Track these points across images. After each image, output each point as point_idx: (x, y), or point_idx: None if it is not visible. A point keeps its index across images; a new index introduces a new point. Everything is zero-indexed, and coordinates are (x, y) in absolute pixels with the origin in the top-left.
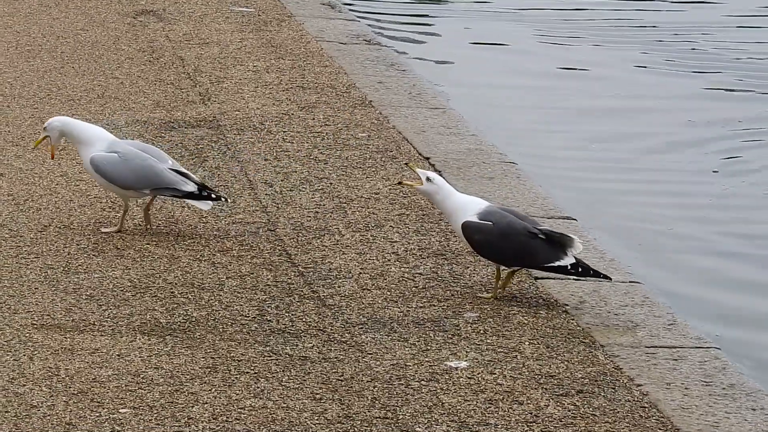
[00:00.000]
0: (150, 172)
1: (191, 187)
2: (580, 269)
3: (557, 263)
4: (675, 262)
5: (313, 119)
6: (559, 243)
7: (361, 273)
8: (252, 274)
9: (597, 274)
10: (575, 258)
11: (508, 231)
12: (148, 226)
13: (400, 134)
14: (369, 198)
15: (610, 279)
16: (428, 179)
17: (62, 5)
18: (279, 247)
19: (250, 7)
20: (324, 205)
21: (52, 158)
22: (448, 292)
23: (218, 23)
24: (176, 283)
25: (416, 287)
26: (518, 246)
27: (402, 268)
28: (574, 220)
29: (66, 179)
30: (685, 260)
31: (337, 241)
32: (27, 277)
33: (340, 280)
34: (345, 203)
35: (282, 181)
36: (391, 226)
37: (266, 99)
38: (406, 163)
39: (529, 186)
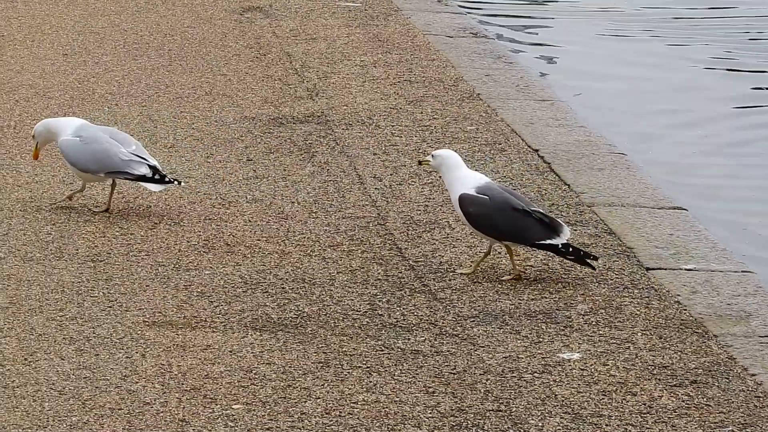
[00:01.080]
0: (104, 156)
1: (144, 170)
2: (570, 249)
3: (549, 242)
4: None
5: (422, 113)
6: (550, 225)
7: (471, 266)
8: (363, 268)
9: (587, 255)
10: (567, 240)
11: (503, 206)
12: (107, 210)
13: (509, 127)
14: None
15: (597, 259)
16: (432, 156)
17: (169, 3)
18: (389, 241)
19: (357, 1)
20: (434, 199)
21: (35, 159)
22: (560, 284)
23: (325, 18)
24: (287, 279)
25: (527, 279)
26: (512, 222)
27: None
28: (685, 210)
29: (176, 176)
30: None
31: (447, 234)
32: (138, 274)
33: (451, 273)
34: None
35: (391, 175)
36: None
37: (374, 93)
38: (419, 162)
39: (639, 177)
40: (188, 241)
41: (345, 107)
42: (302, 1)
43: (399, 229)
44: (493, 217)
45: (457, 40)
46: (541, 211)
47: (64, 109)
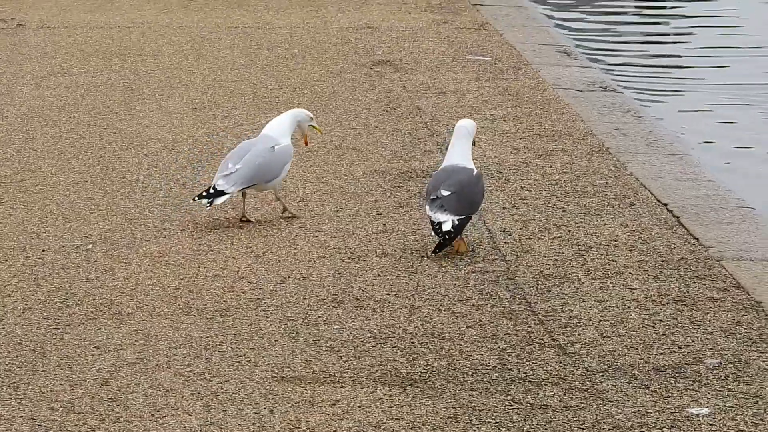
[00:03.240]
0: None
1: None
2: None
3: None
4: None
5: (551, 167)
6: None
7: (601, 320)
8: (492, 322)
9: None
10: None
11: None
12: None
13: (638, 180)
14: (608, 245)
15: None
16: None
17: (298, 57)
18: (519, 296)
19: (486, 56)
20: (563, 253)
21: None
22: (689, 338)
23: (454, 72)
24: (416, 333)
25: (656, 334)
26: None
27: (642, 315)
28: None
29: (304, 231)
30: None
31: (577, 288)
32: (267, 329)
33: (581, 328)
34: (584, 250)
35: (520, 229)
36: (630, 273)
37: (503, 147)
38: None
39: (767, 231)
40: (317, 296)
41: (474, 161)
42: (432, 55)
43: (528, 284)
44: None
45: (586, 94)
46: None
47: (192, 164)
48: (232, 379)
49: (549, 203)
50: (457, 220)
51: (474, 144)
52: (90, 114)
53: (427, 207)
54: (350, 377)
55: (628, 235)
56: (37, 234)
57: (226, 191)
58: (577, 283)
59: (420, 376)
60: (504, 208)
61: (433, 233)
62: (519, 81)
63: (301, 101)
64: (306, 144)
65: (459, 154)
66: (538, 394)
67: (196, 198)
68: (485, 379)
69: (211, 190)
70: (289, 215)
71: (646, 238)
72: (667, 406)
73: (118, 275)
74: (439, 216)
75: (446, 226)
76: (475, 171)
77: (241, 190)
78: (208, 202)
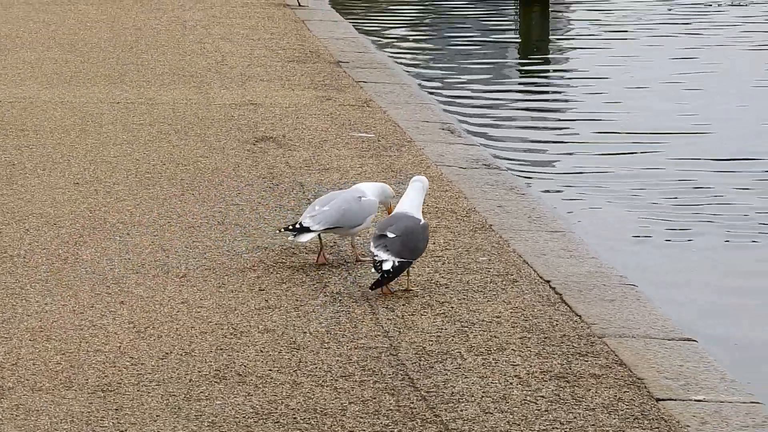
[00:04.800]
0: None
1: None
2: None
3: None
4: None
5: (434, 243)
6: None
7: (483, 396)
8: (374, 398)
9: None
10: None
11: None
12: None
13: (521, 257)
14: (491, 321)
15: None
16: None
17: (181, 132)
18: (401, 372)
19: (370, 132)
20: (446, 329)
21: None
22: (571, 414)
23: (338, 149)
24: (298, 409)
25: (539, 410)
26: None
27: (524, 391)
28: (695, 341)
29: (187, 306)
30: None
31: (459, 365)
32: (148, 404)
33: (463, 404)
34: (467, 327)
35: (403, 305)
36: (512, 349)
37: None
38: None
39: (650, 308)
40: (199, 371)
41: (358, 238)
42: (315, 131)
43: (411, 360)
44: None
45: (469, 171)
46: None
47: (74, 239)
48: None
49: (432, 280)
50: (398, 262)
51: (424, 201)
52: None
53: (372, 244)
54: None
55: (511, 312)
56: None
57: (311, 228)
58: (460, 359)
59: None
60: None
61: (374, 269)
62: (402, 158)
63: (183, 177)
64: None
65: (410, 205)
66: None
67: (282, 230)
68: None
69: (298, 226)
70: (359, 261)
71: (529, 315)
72: None
73: None
74: (382, 254)
75: (386, 266)
76: (422, 221)
77: (325, 230)
78: (294, 236)
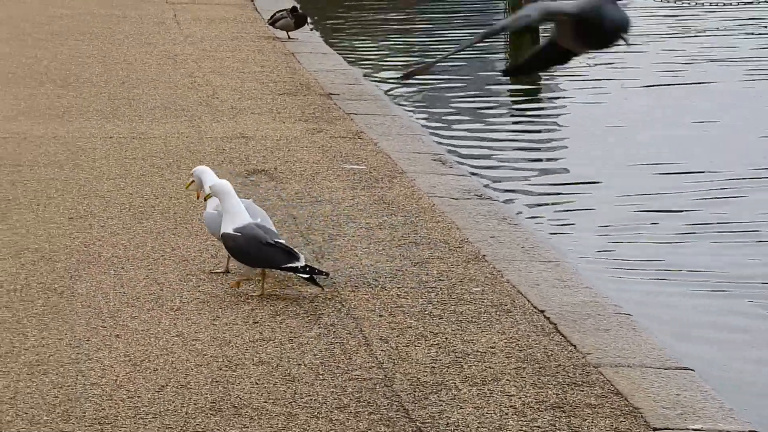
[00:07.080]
0: None
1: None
2: (307, 268)
3: (291, 265)
4: None
5: (427, 274)
6: (291, 253)
7: (479, 427)
8: (370, 430)
9: (320, 273)
10: (304, 264)
11: (252, 241)
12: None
13: (515, 288)
14: (485, 352)
15: (328, 274)
16: (210, 187)
17: (174, 167)
18: (396, 403)
19: (362, 164)
20: (440, 360)
21: (198, 198)
22: None
23: (330, 181)
24: None
25: None
26: (261, 252)
27: (520, 422)
28: (692, 370)
29: (182, 339)
30: None
31: (455, 395)
32: None
33: None
34: (461, 358)
35: (398, 336)
36: (507, 379)
37: (379, 255)
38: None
39: (645, 337)
40: (195, 404)
41: (351, 269)
42: (307, 164)
43: (406, 391)
44: (245, 250)
45: (461, 202)
46: (283, 242)
47: (70, 273)
48: None
49: (425, 311)
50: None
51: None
52: None
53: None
54: None
55: (506, 342)
56: None
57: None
58: (455, 390)
59: None
60: (380, 315)
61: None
62: (394, 189)
63: (176, 210)
64: None
65: (236, 212)
66: None
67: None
68: None
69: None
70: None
71: (524, 345)
72: None
73: None
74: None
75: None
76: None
77: None
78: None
